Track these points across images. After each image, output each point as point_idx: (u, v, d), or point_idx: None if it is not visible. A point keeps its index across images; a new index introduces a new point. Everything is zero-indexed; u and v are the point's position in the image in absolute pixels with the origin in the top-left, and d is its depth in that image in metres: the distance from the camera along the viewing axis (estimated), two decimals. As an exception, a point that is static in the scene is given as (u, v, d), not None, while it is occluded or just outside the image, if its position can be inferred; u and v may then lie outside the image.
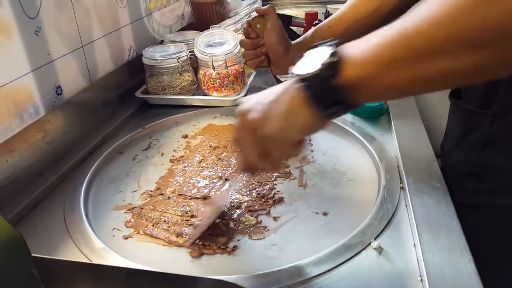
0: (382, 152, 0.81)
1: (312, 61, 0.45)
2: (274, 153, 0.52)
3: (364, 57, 0.42)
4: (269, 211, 0.70)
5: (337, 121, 0.95)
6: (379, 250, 0.59)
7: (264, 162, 0.53)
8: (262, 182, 0.77)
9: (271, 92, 0.51)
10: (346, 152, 0.86)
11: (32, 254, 0.41)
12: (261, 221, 0.68)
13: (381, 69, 0.41)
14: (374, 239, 0.61)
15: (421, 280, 0.54)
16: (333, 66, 0.43)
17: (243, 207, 0.71)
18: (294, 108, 0.47)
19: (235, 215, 0.69)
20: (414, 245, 0.59)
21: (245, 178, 0.77)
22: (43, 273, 0.42)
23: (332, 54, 0.44)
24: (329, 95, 0.44)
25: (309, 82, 0.45)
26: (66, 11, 0.90)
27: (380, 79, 0.41)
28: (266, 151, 0.52)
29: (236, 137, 0.55)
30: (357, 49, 0.43)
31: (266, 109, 0.49)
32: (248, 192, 0.74)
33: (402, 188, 0.71)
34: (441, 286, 0.51)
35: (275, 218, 0.68)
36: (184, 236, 0.65)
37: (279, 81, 1.05)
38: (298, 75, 0.46)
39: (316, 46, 0.47)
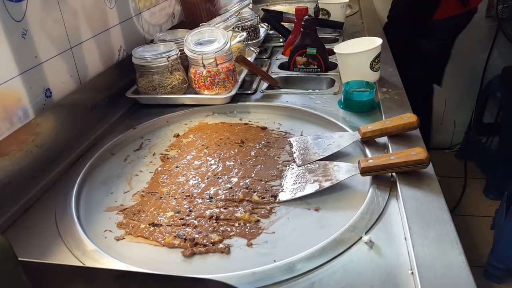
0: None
1: None
2: None
3: None
4: (262, 209, 0.70)
5: (328, 116, 0.95)
6: (370, 244, 0.59)
7: None
8: (256, 180, 0.77)
9: None
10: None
11: (20, 258, 0.41)
12: (254, 218, 0.68)
13: None
14: (365, 233, 0.61)
15: (412, 273, 0.54)
16: None
17: (236, 204, 0.71)
18: None
19: (228, 213, 0.69)
20: (405, 238, 0.60)
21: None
22: (33, 277, 0.42)
23: None
24: None
25: None
26: (53, 12, 0.90)
27: None
28: None
29: None
30: None
31: None
32: (241, 190, 0.74)
33: (393, 181, 0.71)
34: (432, 278, 0.51)
35: (267, 216, 0.68)
36: (176, 236, 0.65)
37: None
38: None
39: None
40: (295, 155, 0.83)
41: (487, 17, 2.22)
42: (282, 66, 1.30)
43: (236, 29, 1.33)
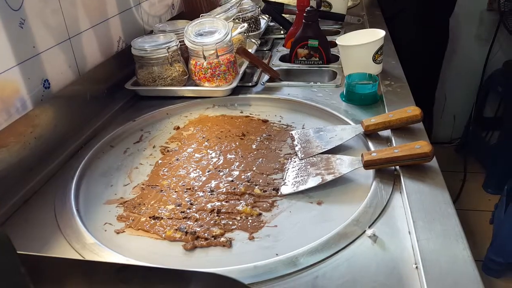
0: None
1: None
2: None
3: None
4: (264, 202, 0.69)
5: (331, 108, 0.94)
6: (374, 238, 0.59)
7: None
8: (257, 173, 0.76)
9: None
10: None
11: (20, 252, 0.40)
12: (256, 212, 0.67)
13: None
14: (369, 227, 0.60)
15: (417, 267, 0.53)
16: None
17: (237, 198, 0.70)
18: None
19: (229, 206, 0.68)
20: (409, 232, 0.59)
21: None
22: (32, 270, 0.41)
23: None
24: None
25: None
26: (51, 2, 0.88)
27: None
28: None
29: None
30: None
31: None
32: (242, 183, 0.74)
33: (397, 175, 0.70)
34: (437, 273, 0.51)
35: (269, 209, 0.68)
36: (177, 229, 0.64)
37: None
38: None
39: None
40: (297, 148, 0.82)
41: (489, 10, 2.21)
42: (283, 59, 1.29)
43: (237, 20, 1.31)
